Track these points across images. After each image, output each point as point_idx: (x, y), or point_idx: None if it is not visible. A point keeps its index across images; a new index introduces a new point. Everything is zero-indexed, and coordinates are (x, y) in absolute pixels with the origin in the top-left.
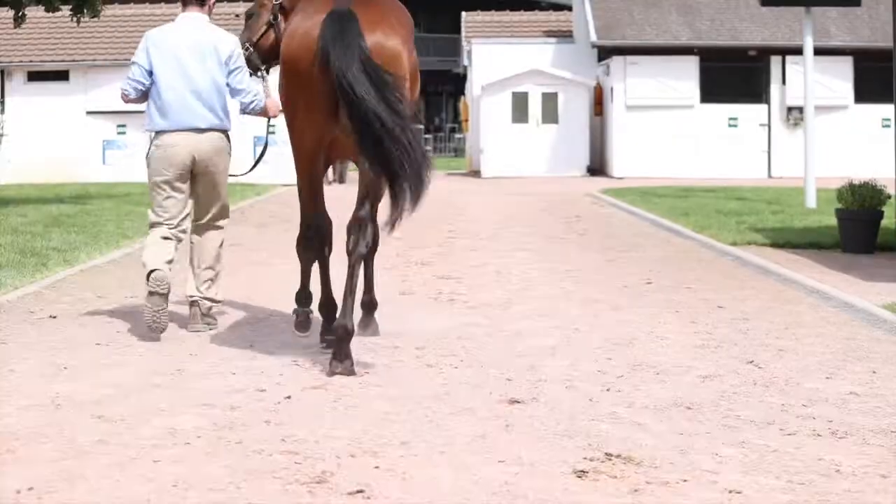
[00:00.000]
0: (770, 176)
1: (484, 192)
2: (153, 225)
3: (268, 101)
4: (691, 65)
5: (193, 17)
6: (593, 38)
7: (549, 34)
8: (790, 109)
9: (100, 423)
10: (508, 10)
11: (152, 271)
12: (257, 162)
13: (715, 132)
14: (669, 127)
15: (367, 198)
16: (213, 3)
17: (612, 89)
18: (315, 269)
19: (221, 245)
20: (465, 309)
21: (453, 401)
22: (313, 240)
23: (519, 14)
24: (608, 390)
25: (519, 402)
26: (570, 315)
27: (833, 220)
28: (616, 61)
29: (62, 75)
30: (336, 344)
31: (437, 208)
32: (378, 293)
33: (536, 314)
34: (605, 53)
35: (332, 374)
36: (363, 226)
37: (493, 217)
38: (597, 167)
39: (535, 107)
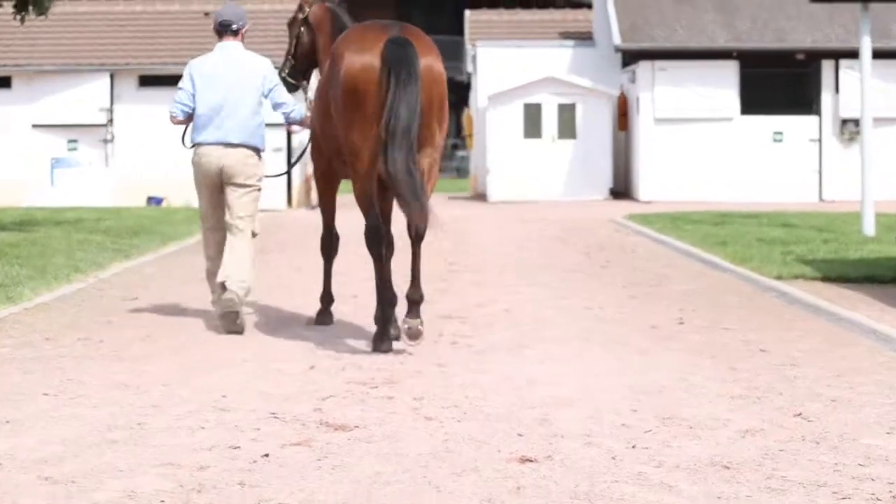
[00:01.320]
0: (821, 199)
1: (491, 218)
2: (201, 220)
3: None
4: (730, 71)
5: (229, 46)
6: (617, 40)
7: (566, 36)
8: (845, 122)
9: (47, 485)
10: (519, 8)
11: (224, 291)
12: (291, 166)
13: (757, 148)
14: (705, 143)
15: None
16: (246, 32)
17: (638, 99)
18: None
19: (253, 258)
20: (470, 353)
21: (456, 459)
22: (375, 239)
23: (531, 13)
24: (634, 447)
25: (531, 461)
26: (590, 360)
27: (894, 250)
28: (643, 67)
29: (3, 82)
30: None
31: (437, 238)
32: (370, 335)
33: (551, 359)
34: (630, 58)
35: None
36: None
37: (501, 247)
38: (621, 189)
39: (549, 120)
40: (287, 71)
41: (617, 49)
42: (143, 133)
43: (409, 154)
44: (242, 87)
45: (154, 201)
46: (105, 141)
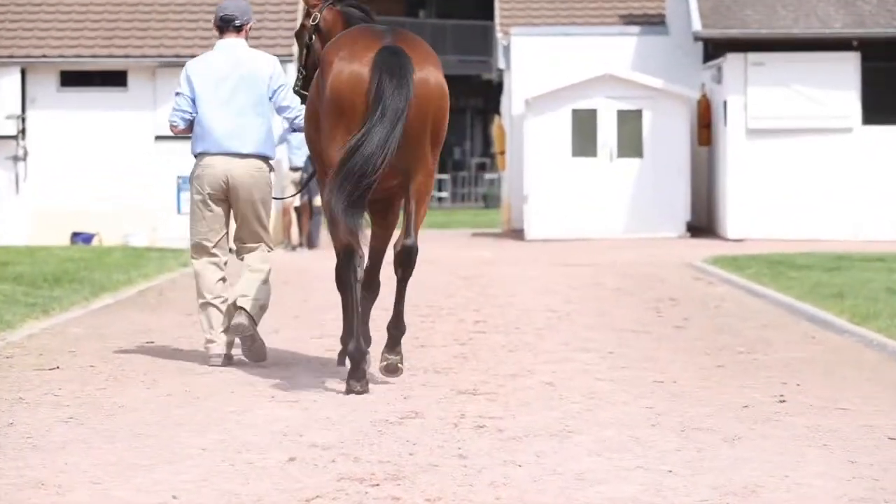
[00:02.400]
0: None
1: (529, 262)
2: (193, 247)
3: None
4: (849, 66)
5: (232, 44)
6: (697, 25)
7: (630, 20)
8: None
9: None
10: None
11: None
12: (303, 187)
13: (885, 168)
14: (814, 161)
15: (412, 227)
16: (250, 28)
17: (725, 104)
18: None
19: (267, 278)
20: (501, 440)
21: None
22: (347, 265)
23: None
24: None
25: None
26: (661, 449)
27: None
28: (732, 61)
29: None
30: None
31: (458, 287)
32: (368, 415)
33: (608, 448)
34: (714, 49)
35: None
36: (412, 254)
37: (541, 300)
38: (701, 223)
39: (607, 131)
40: (299, 84)
41: (697, 37)
42: (67, 148)
43: (352, 195)
44: (248, 88)
45: (81, 238)
46: (15, 158)
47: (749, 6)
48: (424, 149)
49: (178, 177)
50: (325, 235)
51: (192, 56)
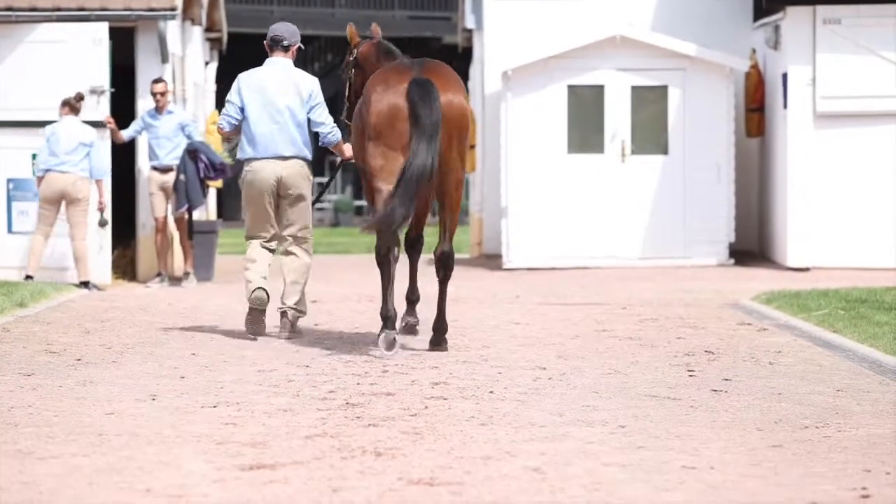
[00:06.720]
0: None
1: (508, 300)
2: (248, 238)
3: (345, 146)
4: None
5: (279, 62)
6: None
7: None
8: None
9: None
10: None
11: (254, 290)
12: (324, 189)
13: None
14: None
15: (447, 234)
16: (296, 50)
17: (784, 78)
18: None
19: (309, 265)
20: None
21: None
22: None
23: None
24: None
25: None
26: None
27: None
28: (794, 18)
29: None
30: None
31: (412, 338)
32: None
33: None
34: (770, 2)
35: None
36: (450, 258)
37: (525, 354)
38: (750, 246)
39: (618, 117)
40: (345, 114)
41: None
42: None
43: (409, 205)
44: (291, 101)
45: None
46: None
47: None
48: (453, 160)
49: (10, 180)
50: (221, 263)
51: (32, 8)
